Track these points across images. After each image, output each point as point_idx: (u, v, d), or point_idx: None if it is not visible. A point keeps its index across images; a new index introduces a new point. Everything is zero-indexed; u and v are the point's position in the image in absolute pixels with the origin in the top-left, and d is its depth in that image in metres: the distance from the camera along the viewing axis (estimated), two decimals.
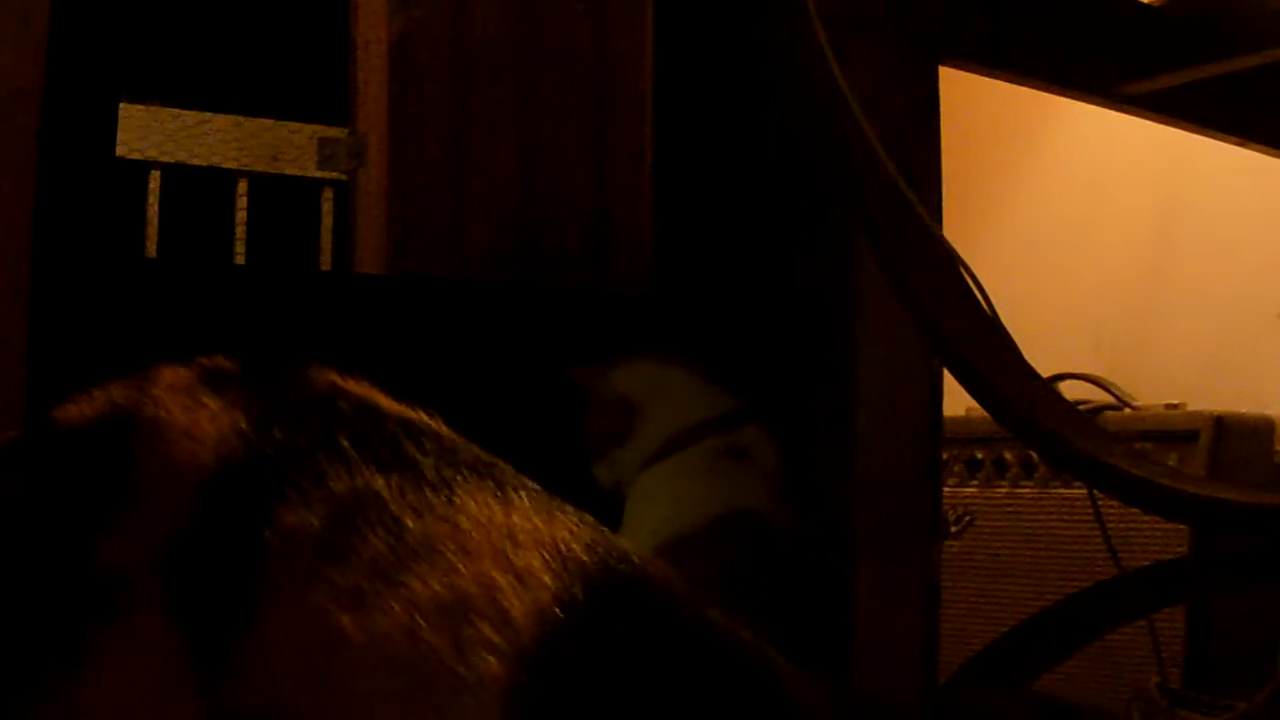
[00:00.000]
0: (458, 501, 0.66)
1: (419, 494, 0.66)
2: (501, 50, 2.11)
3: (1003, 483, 2.09)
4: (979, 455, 2.12)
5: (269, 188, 2.37)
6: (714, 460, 1.61)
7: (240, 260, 2.34)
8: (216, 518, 0.65)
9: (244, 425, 0.67)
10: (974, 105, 2.26)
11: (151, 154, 2.30)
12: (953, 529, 2.06)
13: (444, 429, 0.71)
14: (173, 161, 2.31)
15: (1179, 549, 1.86)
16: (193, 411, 0.68)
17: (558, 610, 0.63)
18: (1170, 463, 1.89)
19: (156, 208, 2.29)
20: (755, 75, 1.79)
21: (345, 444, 0.67)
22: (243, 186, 2.36)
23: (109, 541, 0.65)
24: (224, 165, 2.35)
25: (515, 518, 0.66)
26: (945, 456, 2.01)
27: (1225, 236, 2.35)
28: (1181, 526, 1.84)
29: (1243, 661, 1.83)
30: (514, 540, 0.65)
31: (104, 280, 1.49)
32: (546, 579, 0.64)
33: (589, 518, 0.69)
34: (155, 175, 2.29)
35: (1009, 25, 1.37)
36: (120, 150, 1.99)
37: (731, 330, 1.76)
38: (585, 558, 0.66)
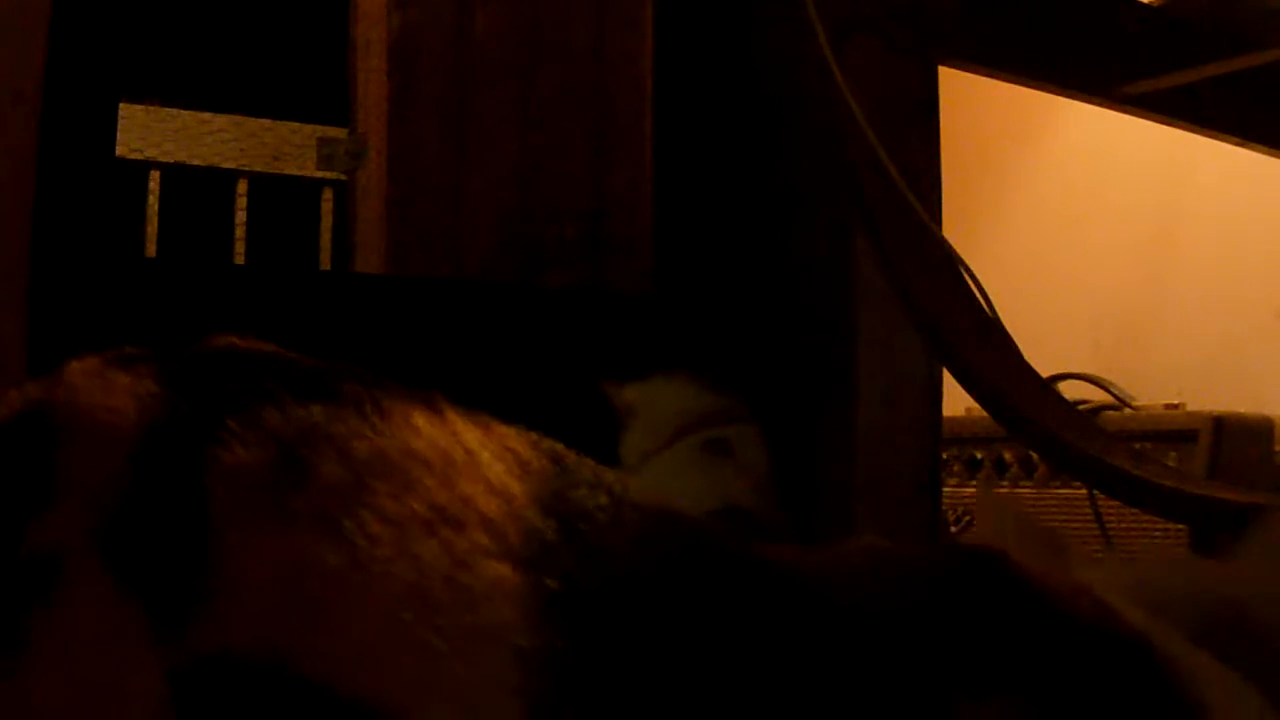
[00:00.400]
0: (399, 422, 0.65)
1: (359, 420, 0.65)
2: (501, 50, 2.11)
3: (1003, 483, 2.09)
4: (979, 455, 2.12)
5: (269, 188, 2.37)
6: (697, 455, 1.61)
7: (240, 260, 2.34)
8: (153, 477, 0.64)
9: (159, 389, 0.66)
10: (974, 105, 2.26)
11: (151, 154, 2.30)
12: (953, 529, 2.06)
13: (363, 371, 0.70)
14: (173, 161, 2.31)
15: (1179, 549, 1.86)
16: (106, 389, 0.67)
17: (538, 510, 0.63)
18: (1170, 463, 1.89)
19: (156, 208, 2.29)
20: (755, 75, 1.79)
21: (269, 385, 0.66)
22: (242, 186, 2.36)
23: (39, 528, 0.63)
24: (224, 165, 2.35)
25: (460, 432, 0.66)
26: (945, 456, 2.01)
27: (1225, 236, 2.35)
28: (1181, 526, 1.84)
29: None
30: (468, 451, 0.65)
31: (104, 280, 1.49)
32: (514, 485, 0.64)
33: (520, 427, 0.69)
34: (155, 175, 2.29)
35: (1009, 25, 1.37)
36: (120, 150, 1.99)
37: (731, 330, 1.76)
38: (539, 461, 0.66)
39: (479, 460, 0.65)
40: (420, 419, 0.66)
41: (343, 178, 2.31)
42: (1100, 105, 1.55)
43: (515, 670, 0.59)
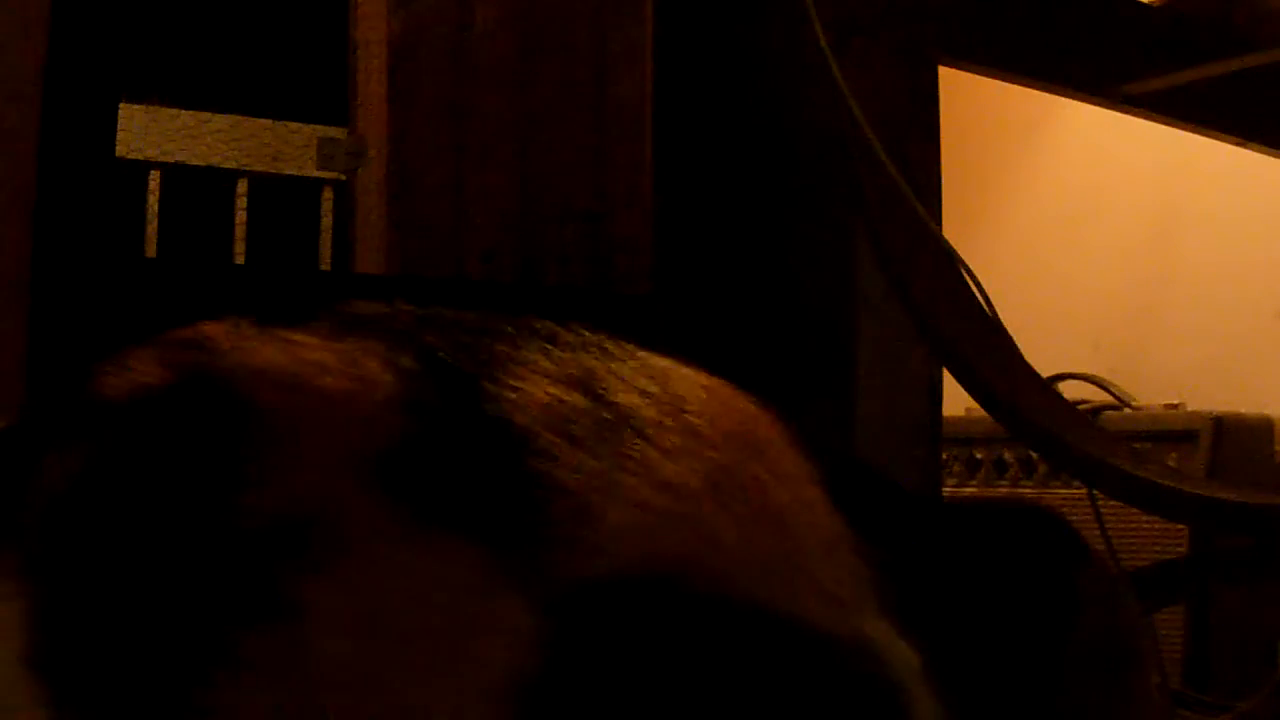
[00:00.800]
0: (649, 365, 0.67)
1: (622, 362, 0.66)
2: (501, 50, 2.11)
3: (1003, 483, 2.09)
4: (979, 455, 2.12)
5: (269, 188, 2.37)
6: None
7: (240, 260, 2.34)
8: (437, 420, 0.62)
9: (388, 346, 0.66)
10: (974, 105, 2.26)
11: (151, 154, 2.30)
12: None
13: (546, 320, 0.70)
14: (172, 161, 2.31)
15: (1179, 549, 1.86)
16: (302, 349, 0.65)
17: (796, 439, 0.69)
18: (1170, 463, 1.89)
19: (156, 208, 2.29)
20: (755, 75, 1.79)
21: (503, 331, 0.66)
22: (242, 186, 2.36)
23: (263, 493, 0.59)
24: (224, 165, 2.35)
25: (682, 366, 0.69)
26: (945, 456, 2.01)
27: (1225, 237, 2.35)
28: (1181, 526, 1.84)
29: (1243, 661, 1.83)
30: (709, 385, 0.69)
31: (104, 280, 1.49)
32: (761, 414, 0.69)
33: None
34: (155, 175, 2.29)
35: (1009, 25, 1.37)
36: (120, 150, 1.98)
37: (731, 331, 1.76)
38: (745, 394, 0.71)
39: (724, 390, 0.69)
40: (653, 358, 0.68)
41: (343, 178, 2.31)
42: (1100, 105, 1.55)
43: (866, 569, 0.64)
